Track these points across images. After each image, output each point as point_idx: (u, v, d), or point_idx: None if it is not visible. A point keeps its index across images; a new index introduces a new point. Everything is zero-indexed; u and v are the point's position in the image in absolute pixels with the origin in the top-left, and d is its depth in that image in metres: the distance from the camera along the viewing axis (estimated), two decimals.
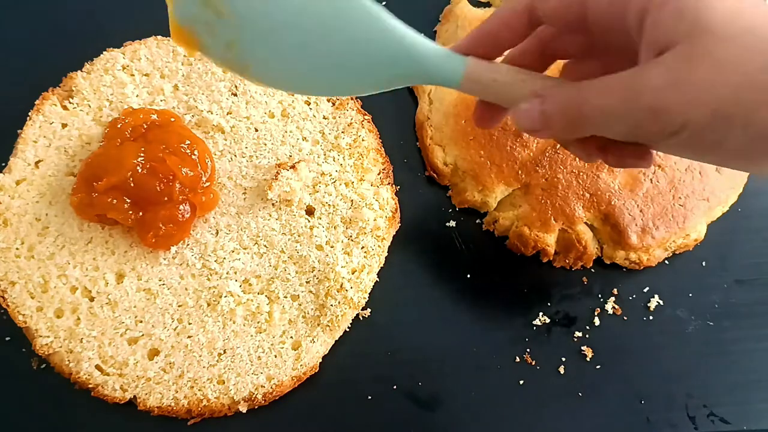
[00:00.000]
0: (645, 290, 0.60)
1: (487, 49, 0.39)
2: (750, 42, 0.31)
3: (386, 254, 0.58)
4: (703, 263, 0.61)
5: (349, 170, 0.59)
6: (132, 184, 0.53)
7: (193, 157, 0.55)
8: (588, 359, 0.58)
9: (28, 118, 0.58)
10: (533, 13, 0.37)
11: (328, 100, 0.61)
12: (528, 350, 0.58)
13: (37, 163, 0.57)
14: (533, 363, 0.57)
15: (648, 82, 0.32)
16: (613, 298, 0.59)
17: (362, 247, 0.57)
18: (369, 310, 0.58)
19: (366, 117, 0.61)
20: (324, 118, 0.60)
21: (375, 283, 0.57)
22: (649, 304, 0.59)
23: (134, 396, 0.53)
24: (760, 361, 0.58)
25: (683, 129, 0.33)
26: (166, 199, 0.53)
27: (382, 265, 0.58)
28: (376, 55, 0.42)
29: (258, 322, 0.55)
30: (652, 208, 0.57)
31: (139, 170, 0.53)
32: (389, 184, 0.59)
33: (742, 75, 0.31)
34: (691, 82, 0.32)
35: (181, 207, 0.54)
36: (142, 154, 0.54)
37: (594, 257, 0.59)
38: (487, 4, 0.67)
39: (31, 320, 0.54)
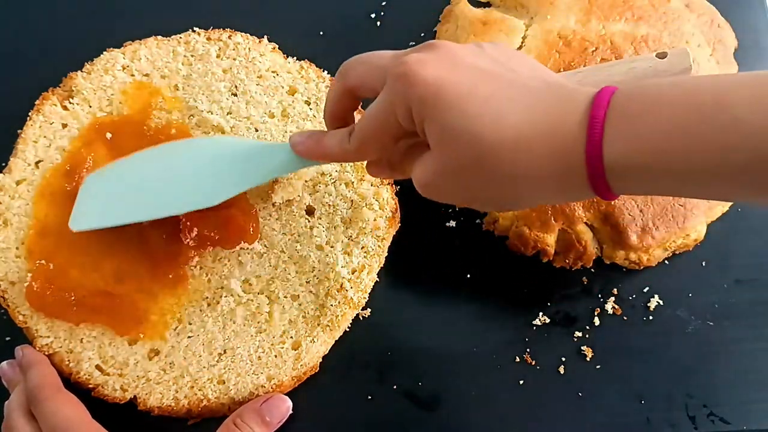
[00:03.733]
0: (645, 290, 0.60)
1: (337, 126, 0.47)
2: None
3: (386, 254, 0.58)
4: (703, 263, 0.61)
5: (349, 170, 0.59)
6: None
7: None
8: (588, 359, 0.58)
9: (28, 118, 0.58)
10: (350, 91, 0.45)
11: None
12: (528, 350, 0.58)
13: (37, 163, 0.57)
14: (533, 363, 0.57)
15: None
16: (613, 298, 0.59)
17: (362, 247, 0.57)
18: (369, 310, 0.58)
19: None
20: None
21: (375, 283, 0.57)
22: (649, 304, 0.59)
23: (134, 396, 0.53)
24: (760, 361, 0.58)
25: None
26: None
27: (382, 265, 0.58)
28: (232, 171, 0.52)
29: (258, 322, 0.55)
30: (652, 208, 0.57)
31: None
32: (389, 184, 0.59)
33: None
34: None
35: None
36: None
37: (594, 257, 0.59)
38: (487, 4, 0.67)
39: (31, 320, 0.54)
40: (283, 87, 0.61)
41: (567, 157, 0.35)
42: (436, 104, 0.37)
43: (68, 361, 0.53)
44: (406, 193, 0.61)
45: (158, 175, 0.53)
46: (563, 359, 0.57)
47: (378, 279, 0.58)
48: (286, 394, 0.54)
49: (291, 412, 0.53)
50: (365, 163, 0.58)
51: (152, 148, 0.55)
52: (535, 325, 0.58)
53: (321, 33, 0.66)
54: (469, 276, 0.60)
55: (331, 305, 0.55)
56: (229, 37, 0.62)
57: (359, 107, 0.48)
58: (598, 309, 0.59)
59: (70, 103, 0.59)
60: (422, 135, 0.39)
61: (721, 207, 0.60)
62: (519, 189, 0.37)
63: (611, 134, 0.34)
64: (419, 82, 0.37)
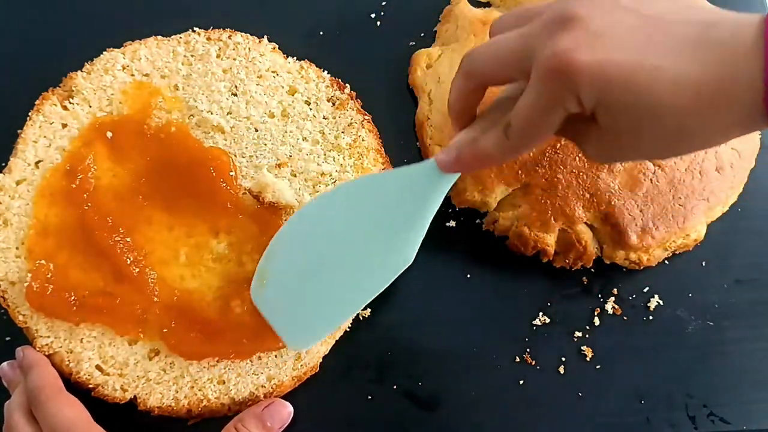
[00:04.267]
0: (645, 290, 0.60)
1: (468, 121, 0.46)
2: None
3: None
4: (703, 263, 0.61)
5: (349, 170, 0.59)
6: None
7: None
8: (588, 359, 0.58)
9: (28, 118, 0.58)
10: (479, 84, 0.45)
11: (328, 100, 0.61)
12: (528, 350, 0.58)
13: (37, 163, 0.57)
14: (533, 363, 0.57)
15: None
16: (613, 298, 0.59)
17: None
18: (369, 310, 0.58)
19: (366, 117, 0.61)
20: (324, 118, 0.60)
21: None
22: (649, 304, 0.59)
23: (134, 396, 0.53)
24: (760, 361, 0.58)
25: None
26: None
27: None
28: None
29: None
30: (652, 208, 0.57)
31: None
32: None
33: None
34: None
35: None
36: None
37: (594, 257, 0.59)
38: (487, 4, 0.67)
39: (31, 320, 0.54)
40: (283, 87, 0.61)
41: (745, 100, 0.34)
42: (607, 88, 0.36)
43: (68, 361, 0.53)
44: None
45: (330, 251, 0.50)
46: (563, 359, 0.57)
47: None
48: (286, 394, 0.54)
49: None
50: (365, 162, 0.58)
51: (290, 224, 0.52)
52: (535, 325, 0.58)
53: (321, 33, 0.66)
54: (469, 276, 0.60)
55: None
56: (229, 37, 0.62)
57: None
58: (598, 309, 0.59)
59: (70, 103, 0.59)
60: (590, 113, 0.38)
61: (720, 207, 0.60)
62: (703, 138, 0.37)
63: None
64: (581, 70, 0.36)
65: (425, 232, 0.48)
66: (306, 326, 0.52)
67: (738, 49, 0.34)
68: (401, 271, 0.49)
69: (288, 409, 0.53)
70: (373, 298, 0.50)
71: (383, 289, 0.50)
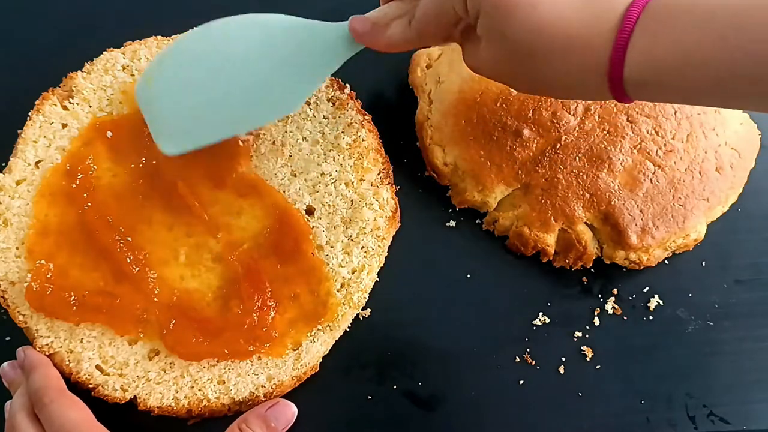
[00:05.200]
0: (645, 290, 0.60)
1: None
2: None
3: (386, 254, 0.58)
4: (703, 263, 0.61)
5: (349, 170, 0.59)
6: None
7: None
8: (588, 359, 0.58)
9: (28, 118, 0.58)
10: None
11: (328, 100, 0.61)
12: (528, 350, 0.58)
13: (37, 163, 0.57)
14: (533, 363, 0.57)
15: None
16: (613, 298, 0.59)
17: (362, 247, 0.57)
18: (369, 310, 0.58)
19: (366, 117, 0.61)
20: (324, 118, 0.60)
21: (375, 283, 0.57)
22: (649, 304, 0.59)
23: (134, 396, 0.53)
24: (760, 361, 0.58)
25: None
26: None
27: (382, 265, 0.58)
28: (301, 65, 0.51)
29: None
30: (652, 208, 0.57)
31: None
32: (389, 184, 0.59)
33: None
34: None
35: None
36: None
37: (594, 257, 0.59)
38: None
39: (31, 320, 0.54)
40: None
41: (596, 61, 0.40)
42: (488, 3, 0.40)
43: (68, 361, 0.53)
44: (406, 193, 0.61)
45: (223, 73, 0.51)
46: (563, 359, 0.57)
47: (378, 279, 0.58)
48: (286, 394, 0.54)
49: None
50: (365, 162, 0.58)
51: (195, 32, 0.53)
52: (535, 325, 0.58)
53: None
54: (469, 276, 0.60)
55: (331, 305, 0.55)
56: None
57: None
58: (598, 309, 0.59)
59: (70, 103, 0.59)
60: (474, 25, 0.43)
61: (720, 207, 0.60)
62: (553, 79, 0.42)
63: (634, 47, 0.38)
64: None
65: (314, 90, 0.52)
66: (181, 133, 0.53)
67: (607, 18, 0.39)
68: (280, 116, 0.54)
69: (292, 410, 0.53)
70: (245, 131, 0.54)
71: (256, 127, 0.54)
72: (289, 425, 0.53)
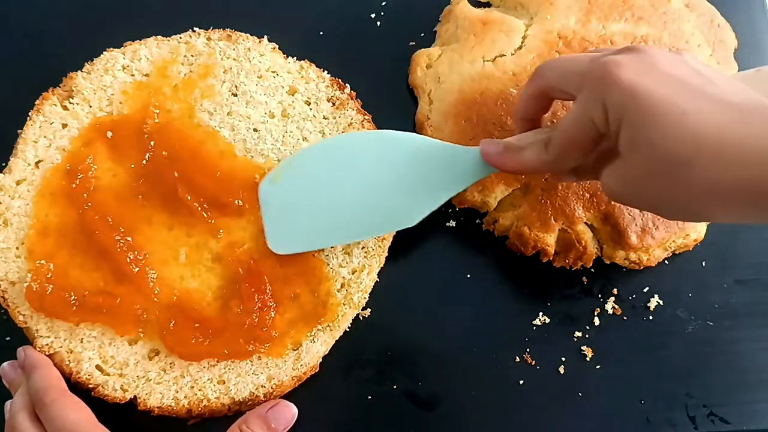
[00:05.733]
0: (645, 290, 0.60)
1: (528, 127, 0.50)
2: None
3: (386, 254, 0.58)
4: (703, 263, 0.61)
5: None
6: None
7: None
8: (588, 359, 0.58)
9: (28, 118, 0.58)
10: (541, 90, 0.47)
11: (328, 100, 0.61)
12: (528, 350, 0.58)
13: (37, 163, 0.57)
14: (533, 363, 0.57)
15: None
16: (613, 298, 0.59)
17: (362, 247, 0.57)
18: (369, 310, 0.58)
19: (366, 117, 0.61)
20: (324, 118, 0.60)
21: (375, 283, 0.57)
22: (649, 304, 0.59)
23: (134, 396, 0.53)
24: (760, 361, 0.58)
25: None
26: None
27: (382, 265, 0.58)
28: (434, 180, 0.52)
29: None
30: None
31: None
32: None
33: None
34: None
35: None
36: None
37: (594, 257, 0.59)
38: (487, 4, 0.67)
39: (31, 320, 0.54)
40: (283, 87, 0.61)
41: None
42: (631, 111, 0.37)
43: (68, 361, 0.53)
44: None
45: (349, 182, 0.53)
46: (563, 359, 0.57)
47: (378, 279, 0.58)
48: (286, 394, 0.54)
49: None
50: None
51: (329, 143, 0.55)
52: (535, 325, 0.58)
53: (321, 33, 0.66)
54: (469, 276, 0.60)
55: (332, 305, 0.55)
56: (229, 37, 0.62)
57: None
58: (598, 309, 0.59)
59: (70, 103, 0.59)
60: (615, 138, 0.39)
61: None
62: (711, 204, 0.37)
63: None
64: (617, 83, 0.37)
65: (434, 208, 0.52)
66: (294, 234, 0.54)
67: None
68: (394, 230, 0.54)
69: (292, 411, 0.53)
70: (361, 240, 0.54)
71: (368, 238, 0.54)
72: (290, 426, 0.53)
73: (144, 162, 0.57)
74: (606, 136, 0.41)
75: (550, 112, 0.51)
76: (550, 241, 0.58)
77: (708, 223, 0.60)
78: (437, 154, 0.51)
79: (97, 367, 0.53)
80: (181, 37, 0.61)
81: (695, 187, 0.36)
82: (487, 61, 0.61)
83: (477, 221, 0.61)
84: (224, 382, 0.54)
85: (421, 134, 0.63)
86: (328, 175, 0.53)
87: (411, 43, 0.66)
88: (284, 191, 0.54)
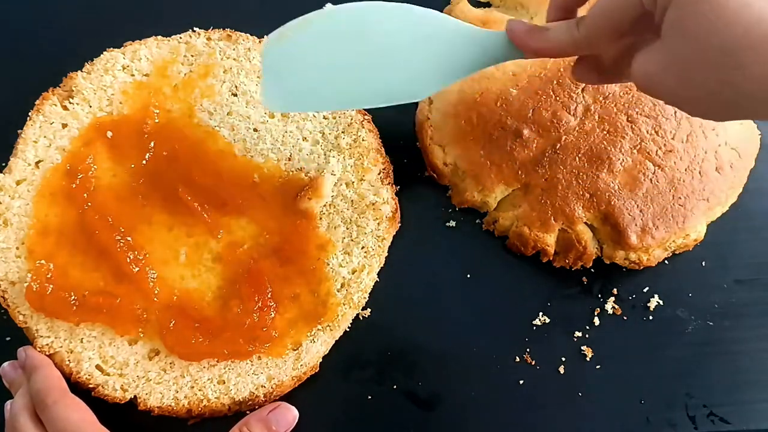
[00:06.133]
0: (645, 290, 0.60)
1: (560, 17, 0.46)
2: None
3: (386, 254, 0.58)
4: (703, 263, 0.61)
5: (349, 170, 0.59)
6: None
7: None
8: (588, 359, 0.58)
9: (28, 118, 0.58)
10: None
11: None
12: (528, 350, 0.58)
13: (37, 163, 0.57)
14: (533, 363, 0.57)
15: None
16: (612, 298, 0.59)
17: (362, 247, 0.57)
18: (369, 310, 0.58)
19: (366, 117, 0.61)
20: (324, 118, 0.60)
21: (375, 283, 0.57)
22: (649, 304, 0.59)
23: (135, 396, 0.53)
24: (760, 361, 0.58)
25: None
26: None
27: (382, 265, 0.58)
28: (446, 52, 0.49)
29: None
30: (652, 208, 0.57)
31: None
32: (389, 184, 0.59)
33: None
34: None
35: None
36: None
37: (594, 257, 0.59)
38: (487, 4, 0.67)
39: (31, 320, 0.54)
40: None
41: None
42: None
43: (69, 361, 0.53)
44: (406, 193, 0.61)
45: (356, 49, 0.50)
46: (563, 359, 0.57)
47: (378, 279, 0.58)
48: (286, 394, 0.54)
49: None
50: (365, 162, 0.58)
51: (344, 9, 0.51)
52: (535, 325, 0.58)
53: None
54: (469, 276, 0.60)
55: (332, 305, 0.55)
56: (229, 37, 0.62)
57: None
58: (598, 309, 0.59)
59: (70, 103, 0.59)
60: (660, 17, 0.36)
61: (720, 207, 0.60)
62: (760, 103, 0.34)
63: None
64: None
65: (445, 85, 0.50)
66: (296, 94, 0.52)
67: None
68: (401, 101, 0.50)
69: (293, 413, 0.53)
70: (361, 107, 0.52)
71: (379, 105, 0.51)
72: (290, 428, 0.53)
73: (144, 162, 0.57)
74: (647, 15, 0.38)
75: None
76: (550, 241, 0.58)
77: (708, 222, 0.60)
78: (461, 33, 0.49)
79: (97, 367, 0.53)
80: (181, 37, 0.61)
81: (747, 83, 0.33)
82: None
83: (477, 221, 0.61)
84: (224, 382, 0.54)
85: (420, 134, 0.63)
86: (337, 40, 0.51)
87: None
88: (291, 49, 0.52)
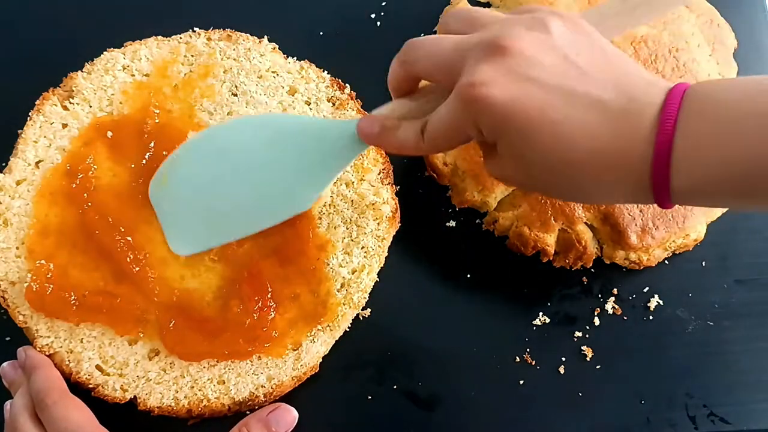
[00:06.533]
0: (645, 290, 0.60)
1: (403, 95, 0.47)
2: None
3: (386, 254, 0.58)
4: (703, 263, 0.61)
5: (349, 170, 0.59)
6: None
7: None
8: (588, 359, 0.58)
9: (28, 118, 0.58)
10: (412, 76, 0.45)
11: (328, 100, 0.61)
12: (528, 350, 0.58)
13: (37, 163, 0.57)
14: (533, 363, 0.57)
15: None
16: (612, 298, 0.59)
17: (362, 247, 0.57)
18: (369, 310, 0.58)
19: None
20: (324, 118, 0.60)
21: (375, 283, 0.57)
22: (649, 304, 0.59)
23: (134, 396, 0.53)
24: (760, 361, 0.58)
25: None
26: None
27: (382, 265, 0.58)
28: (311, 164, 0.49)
29: None
30: (652, 208, 0.57)
31: None
32: (389, 184, 0.59)
33: None
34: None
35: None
36: None
37: (594, 257, 0.59)
38: (487, 5, 0.67)
39: (31, 320, 0.54)
40: (283, 87, 0.61)
41: (635, 176, 0.36)
42: (507, 130, 0.37)
43: (68, 361, 0.53)
44: (406, 193, 0.61)
45: (233, 173, 0.51)
46: (563, 359, 0.57)
47: (378, 279, 0.58)
48: (286, 394, 0.54)
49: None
50: (365, 162, 0.58)
51: (204, 134, 0.53)
52: (535, 325, 0.58)
53: (321, 33, 0.66)
54: (469, 276, 0.60)
55: (331, 305, 0.55)
56: (229, 37, 0.62)
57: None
58: (598, 309, 0.59)
59: (70, 103, 0.59)
60: (493, 145, 0.40)
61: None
62: (590, 194, 0.40)
63: (678, 161, 0.35)
64: (488, 106, 0.37)
65: (325, 188, 0.50)
66: (192, 234, 0.53)
67: (641, 126, 0.36)
68: (292, 215, 0.51)
69: (293, 414, 0.53)
70: (256, 231, 0.52)
71: (268, 226, 0.52)
72: (290, 430, 0.53)
73: (144, 162, 0.57)
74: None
75: None
76: (550, 241, 0.58)
77: (708, 222, 0.60)
78: (310, 131, 0.49)
79: (97, 367, 0.53)
80: (181, 37, 0.61)
81: (577, 181, 0.38)
82: None
83: (477, 221, 0.61)
84: (224, 382, 0.54)
85: None
86: (211, 168, 0.52)
87: None
88: (173, 191, 0.53)
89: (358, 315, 0.58)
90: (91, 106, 0.59)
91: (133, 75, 0.60)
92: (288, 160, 0.50)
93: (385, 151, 0.48)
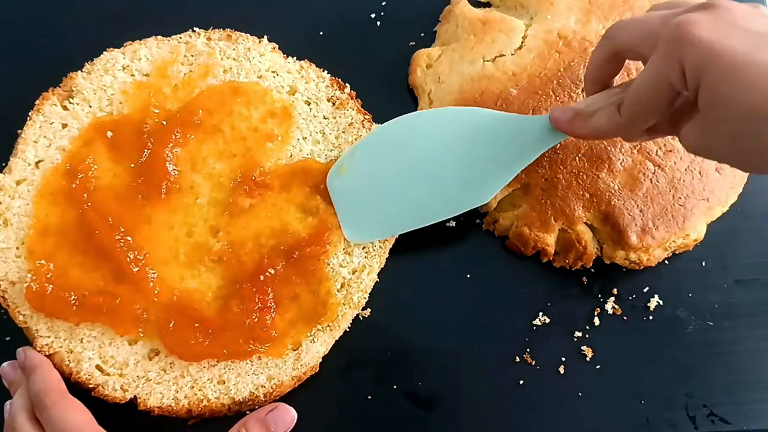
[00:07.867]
0: (645, 290, 0.60)
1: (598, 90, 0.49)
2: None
3: (386, 254, 0.58)
4: (703, 263, 0.61)
5: None
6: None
7: None
8: (588, 359, 0.58)
9: (28, 118, 0.58)
10: (613, 52, 0.46)
11: (328, 100, 0.61)
12: (528, 350, 0.58)
13: (37, 163, 0.57)
14: (533, 363, 0.57)
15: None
16: (612, 298, 0.59)
17: (362, 248, 0.57)
18: (369, 310, 0.58)
19: (366, 117, 0.61)
20: (324, 118, 0.60)
21: (375, 283, 0.57)
22: (649, 304, 0.59)
23: (135, 396, 0.53)
24: (760, 361, 0.58)
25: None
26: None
27: (382, 265, 0.58)
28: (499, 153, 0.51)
29: None
30: (652, 208, 0.57)
31: None
32: None
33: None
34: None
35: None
36: None
37: (594, 257, 0.59)
38: (487, 4, 0.67)
39: (31, 320, 0.54)
40: (283, 87, 0.61)
41: None
42: (711, 69, 0.37)
43: (68, 361, 0.53)
44: None
45: (417, 165, 0.52)
46: (563, 359, 0.57)
47: (378, 279, 0.58)
48: (286, 394, 0.54)
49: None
50: None
51: (388, 128, 0.54)
52: (535, 325, 0.58)
53: (321, 33, 0.66)
54: (469, 276, 0.60)
55: (331, 305, 0.55)
56: (229, 37, 0.62)
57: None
58: (598, 309, 0.59)
59: (70, 103, 0.59)
60: (693, 96, 0.39)
61: (720, 207, 0.60)
62: None
63: None
64: (694, 43, 0.37)
65: (508, 181, 0.51)
66: (367, 223, 0.54)
67: None
68: (471, 207, 0.52)
69: (292, 414, 0.53)
70: (432, 222, 0.53)
71: (443, 219, 0.53)
72: (289, 429, 0.53)
73: (143, 161, 0.57)
74: (681, 96, 0.41)
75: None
76: (550, 241, 0.58)
77: (708, 223, 0.60)
78: (503, 125, 0.50)
79: (97, 367, 0.53)
80: (181, 37, 0.61)
81: None
82: (487, 61, 0.61)
83: (477, 221, 0.61)
84: (224, 382, 0.54)
85: None
86: (392, 159, 0.53)
87: (411, 43, 0.66)
88: (350, 181, 0.54)
89: (358, 315, 0.58)
90: (90, 106, 0.59)
91: (133, 75, 0.60)
92: (474, 153, 0.50)
93: (579, 138, 0.49)
